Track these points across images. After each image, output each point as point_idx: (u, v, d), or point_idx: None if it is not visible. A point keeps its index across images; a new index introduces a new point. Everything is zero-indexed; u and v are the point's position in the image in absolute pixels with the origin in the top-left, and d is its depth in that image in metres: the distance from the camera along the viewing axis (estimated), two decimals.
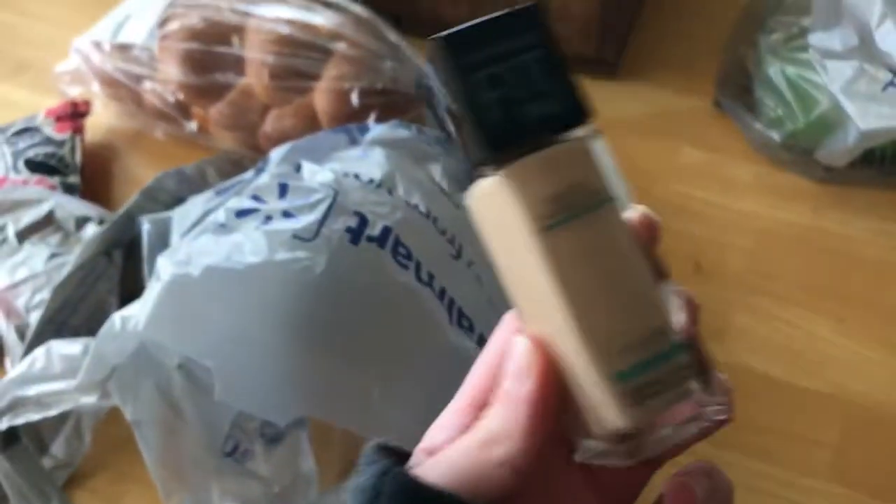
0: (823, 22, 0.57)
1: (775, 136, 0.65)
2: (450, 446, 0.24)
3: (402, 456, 0.25)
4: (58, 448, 0.54)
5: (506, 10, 0.24)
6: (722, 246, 0.64)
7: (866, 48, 0.52)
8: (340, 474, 0.51)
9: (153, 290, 0.39)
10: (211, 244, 0.41)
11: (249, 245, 0.40)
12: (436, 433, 0.25)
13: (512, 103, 0.23)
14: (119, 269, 0.58)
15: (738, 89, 0.69)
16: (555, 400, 0.23)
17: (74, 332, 0.56)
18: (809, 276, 0.63)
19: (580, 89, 0.24)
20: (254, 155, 0.68)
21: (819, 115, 0.62)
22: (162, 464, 0.44)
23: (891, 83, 0.54)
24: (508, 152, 0.23)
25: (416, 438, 0.26)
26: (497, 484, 0.22)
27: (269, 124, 0.68)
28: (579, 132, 0.24)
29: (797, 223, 0.65)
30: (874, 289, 0.62)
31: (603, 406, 0.23)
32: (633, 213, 0.25)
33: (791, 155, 0.66)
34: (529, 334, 0.24)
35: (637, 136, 0.70)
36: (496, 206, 0.23)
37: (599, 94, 0.73)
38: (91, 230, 0.64)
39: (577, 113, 0.24)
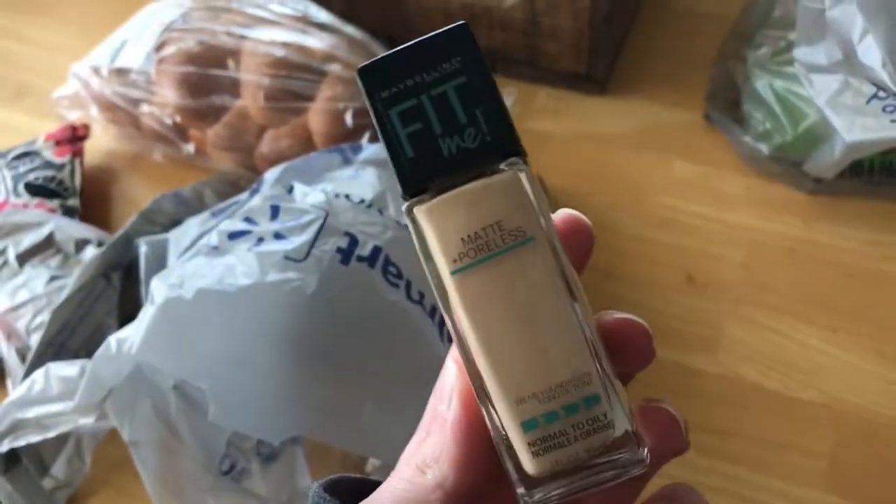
0: (808, 37, 0.58)
1: (764, 148, 0.66)
2: (393, 474, 0.24)
3: (350, 485, 0.24)
4: (58, 469, 0.55)
5: (432, 34, 0.23)
6: (714, 258, 0.65)
7: (850, 62, 0.53)
8: None
9: (147, 313, 0.40)
10: (204, 266, 0.41)
11: (241, 267, 0.40)
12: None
13: (431, 136, 0.22)
14: (117, 291, 0.59)
15: (728, 103, 0.70)
16: (480, 424, 0.22)
17: (74, 354, 0.57)
18: (801, 287, 0.63)
19: (505, 118, 0.23)
20: (251, 175, 0.69)
21: (807, 128, 0.63)
22: (160, 483, 0.44)
23: (875, 96, 0.55)
24: (426, 188, 0.22)
25: None
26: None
27: (266, 145, 0.69)
28: (504, 165, 0.23)
29: (788, 235, 0.65)
30: (866, 299, 0.62)
31: (518, 450, 0.22)
32: (556, 216, 0.24)
33: (781, 167, 0.66)
34: (455, 358, 0.23)
35: (628, 151, 0.71)
36: (417, 242, 0.23)
37: (590, 110, 0.76)
38: (90, 252, 0.64)
39: (503, 146, 0.23)
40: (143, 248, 0.53)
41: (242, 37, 0.70)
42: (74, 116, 0.76)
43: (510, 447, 0.23)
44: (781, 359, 0.60)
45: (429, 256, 0.23)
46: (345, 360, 0.40)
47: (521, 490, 0.23)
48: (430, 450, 0.23)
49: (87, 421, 0.45)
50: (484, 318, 0.22)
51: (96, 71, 0.73)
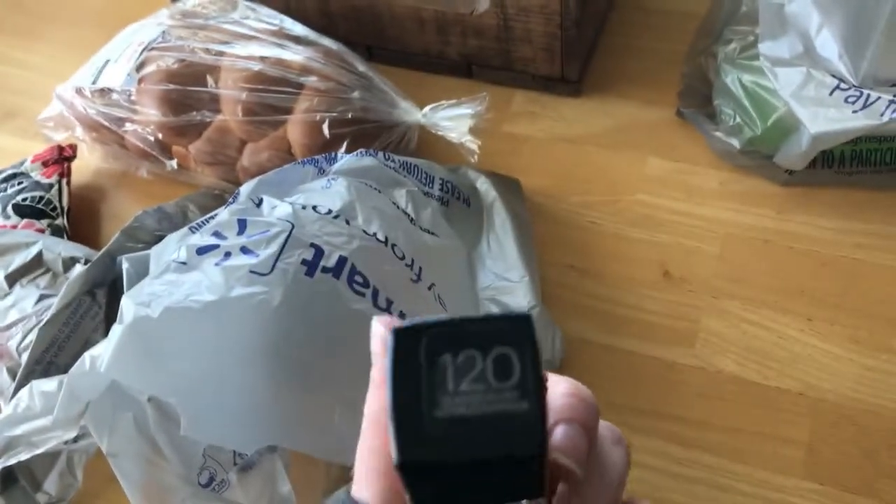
0: (770, 31, 0.59)
1: (736, 142, 0.66)
2: None
3: None
4: (50, 485, 0.56)
5: (491, 315, 0.22)
6: (689, 252, 0.66)
7: (810, 55, 0.53)
8: (326, 492, 0.53)
9: (115, 332, 0.41)
10: (172, 283, 0.42)
11: (207, 282, 0.42)
12: None
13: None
14: (102, 307, 0.60)
15: (700, 99, 0.71)
16: None
17: (62, 371, 0.58)
18: (776, 277, 0.64)
19: (543, 475, 0.22)
20: (234, 189, 0.70)
21: (776, 121, 0.64)
22: (143, 495, 0.45)
23: (837, 87, 0.56)
24: None
25: None
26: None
27: (247, 158, 0.70)
28: None
29: (762, 227, 0.66)
30: (840, 287, 0.63)
31: None
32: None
33: (753, 160, 0.67)
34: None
35: (603, 150, 0.72)
36: None
37: (565, 111, 0.77)
38: (78, 270, 0.66)
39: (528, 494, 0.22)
40: (125, 265, 0.54)
41: (220, 53, 0.71)
42: (61, 137, 0.77)
43: None
44: (758, 349, 0.61)
45: None
46: (312, 369, 0.41)
47: None
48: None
49: (69, 435, 0.46)
50: None
51: (79, 92, 0.74)
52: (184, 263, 0.44)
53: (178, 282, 0.43)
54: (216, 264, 0.43)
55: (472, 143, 0.66)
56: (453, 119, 0.67)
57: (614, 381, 0.61)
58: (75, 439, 0.55)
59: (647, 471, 0.57)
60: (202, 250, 0.44)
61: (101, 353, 0.41)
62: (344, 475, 0.52)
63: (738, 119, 0.67)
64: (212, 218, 0.49)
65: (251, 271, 0.42)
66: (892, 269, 0.63)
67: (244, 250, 0.44)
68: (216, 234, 0.45)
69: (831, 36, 0.50)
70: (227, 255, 0.44)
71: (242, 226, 0.46)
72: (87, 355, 0.42)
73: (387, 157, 0.60)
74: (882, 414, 0.57)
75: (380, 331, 0.24)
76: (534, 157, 0.73)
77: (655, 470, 0.57)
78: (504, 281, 0.58)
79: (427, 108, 0.69)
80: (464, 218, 0.62)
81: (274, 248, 0.43)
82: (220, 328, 0.41)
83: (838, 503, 0.55)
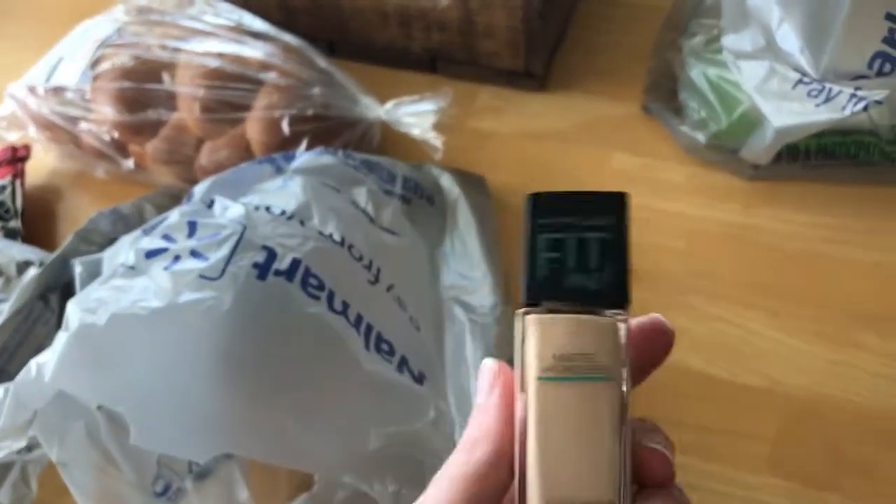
0: (733, 24, 0.58)
1: (701, 137, 0.66)
2: (448, 461, 0.27)
3: None
4: (3, 496, 0.54)
5: (596, 191, 0.28)
6: (655, 248, 0.65)
7: (772, 49, 0.53)
8: (288, 497, 0.52)
9: (60, 340, 0.39)
10: (119, 289, 0.41)
11: (154, 288, 0.40)
12: None
13: (563, 268, 0.27)
14: (55, 313, 0.58)
15: (666, 93, 0.71)
16: (513, 412, 0.27)
17: (14, 378, 0.57)
18: (743, 272, 0.64)
19: (626, 277, 0.27)
20: (192, 188, 0.69)
21: (741, 115, 0.63)
22: None
23: (800, 81, 0.55)
24: (544, 303, 0.27)
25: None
26: (483, 483, 0.26)
27: (204, 157, 0.69)
28: (610, 312, 0.27)
29: (729, 221, 0.66)
30: (806, 282, 0.63)
31: None
32: (644, 318, 0.28)
33: (719, 155, 0.67)
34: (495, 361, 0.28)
35: (568, 146, 0.71)
36: (519, 341, 0.27)
37: (531, 107, 0.76)
38: (32, 274, 0.64)
39: (615, 298, 0.27)
40: (77, 268, 0.53)
41: (177, 49, 0.69)
42: (14, 137, 0.75)
43: None
44: (725, 345, 0.61)
45: (523, 357, 0.27)
46: (265, 374, 0.40)
47: None
48: (474, 431, 0.27)
49: (18, 445, 0.45)
50: (549, 423, 0.26)
51: (32, 90, 0.72)
52: (132, 268, 0.42)
53: (125, 287, 0.41)
54: (165, 268, 0.42)
55: (436, 140, 0.65)
56: (416, 115, 0.66)
57: None
58: (29, 449, 0.54)
59: None
60: (151, 254, 0.43)
61: (47, 361, 0.40)
62: (306, 481, 0.51)
63: (703, 113, 0.66)
64: (163, 220, 0.48)
65: (200, 276, 0.41)
66: (858, 264, 0.63)
67: (194, 254, 0.42)
68: (166, 236, 0.44)
69: (792, 29, 0.49)
70: (177, 258, 0.42)
71: (193, 228, 0.44)
72: (33, 363, 0.41)
73: (347, 154, 0.59)
74: (847, 408, 0.57)
75: (492, 367, 0.28)
76: (499, 153, 0.72)
77: None
78: (467, 280, 0.57)
79: (389, 104, 0.67)
80: (427, 216, 0.61)
81: (224, 250, 0.42)
82: (168, 335, 0.40)
83: (804, 499, 0.54)
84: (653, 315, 0.29)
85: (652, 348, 0.29)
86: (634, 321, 0.29)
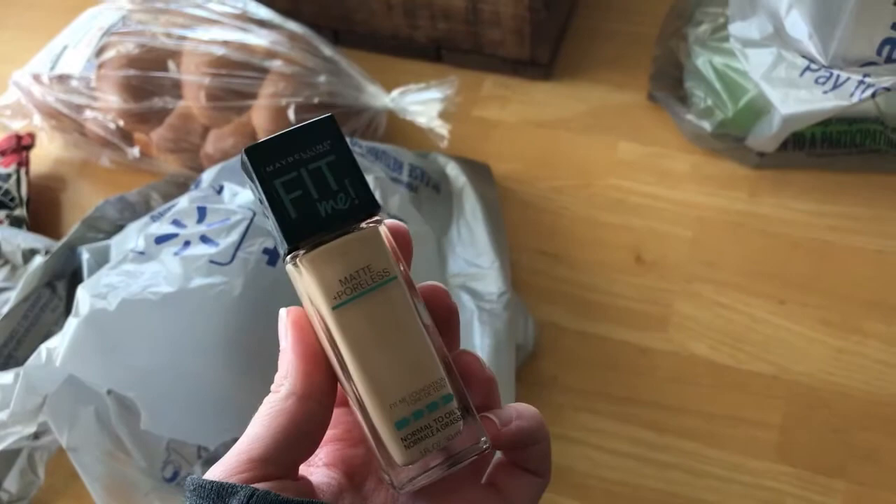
0: (741, 11, 0.58)
1: (707, 125, 0.66)
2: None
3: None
4: (10, 483, 0.55)
5: (301, 124, 0.28)
6: (662, 236, 0.65)
7: (780, 36, 0.53)
8: None
9: (71, 325, 0.39)
10: (129, 274, 0.41)
11: (165, 273, 0.40)
12: None
13: (308, 201, 0.27)
14: (63, 299, 0.58)
15: (672, 82, 0.70)
16: (311, 344, 0.28)
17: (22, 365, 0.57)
18: (748, 260, 0.64)
19: (366, 186, 0.28)
20: (198, 176, 0.69)
21: (747, 103, 0.63)
22: (105, 490, 0.44)
23: (808, 68, 0.55)
24: (304, 244, 0.27)
25: None
26: (290, 415, 0.27)
27: (210, 145, 0.69)
28: (367, 222, 0.28)
29: (734, 210, 0.66)
30: (812, 270, 0.63)
31: (389, 446, 0.28)
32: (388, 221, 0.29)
33: (724, 143, 0.67)
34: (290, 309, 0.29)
35: (574, 134, 0.71)
36: (300, 285, 0.28)
37: (536, 95, 0.76)
38: (39, 262, 0.64)
39: (366, 207, 0.28)
40: (85, 255, 0.53)
41: (182, 37, 0.69)
42: (19, 126, 0.75)
43: (381, 445, 0.28)
44: (731, 333, 0.61)
45: (311, 299, 0.27)
46: (274, 360, 0.40)
47: (393, 478, 0.28)
48: (278, 374, 0.28)
49: (28, 430, 0.45)
50: (360, 342, 0.27)
51: (37, 79, 0.72)
52: (142, 253, 0.42)
53: (135, 272, 0.41)
54: (175, 254, 0.42)
55: (442, 128, 0.65)
56: (422, 103, 0.66)
57: (587, 368, 0.60)
58: (36, 436, 0.54)
59: (622, 457, 0.57)
60: (161, 239, 0.43)
61: (58, 346, 0.39)
62: None
63: (709, 102, 0.66)
64: (172, 206, 0.47)
65: (211, 261, 0.41)
66: (864, 251, 0.63)
67: (204, 239, 0.42)
68: (175, 222, 0.44)
69: (800, 16, 0.49)
70: (187, 244, 0.42)
71: (202, 214, 0.44)
72: (43, 347, 0.41)
73: (353, 142, 0.59)
74: (853, 395, 0.57)
75: (282, 314, 0.29)
76: (504, 141, 0.72)
77: (630, 456, 0.57)
78: (474, 267, 0.57)
79: (395, 93, 0.67)
80: (433, 204, 0.61)
81: (234, 236, 0.42)
82: (179, 320, 0.40)
83: (811, 485, 0.55)
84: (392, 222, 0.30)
85: (400, 243, 0.30)
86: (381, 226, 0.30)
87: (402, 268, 0.28)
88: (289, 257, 0.28)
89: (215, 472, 0.27)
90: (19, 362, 0.57)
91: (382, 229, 0.28)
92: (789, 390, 0.58)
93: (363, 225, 0.28)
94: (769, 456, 0.56)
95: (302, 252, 0.27)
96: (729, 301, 0.62)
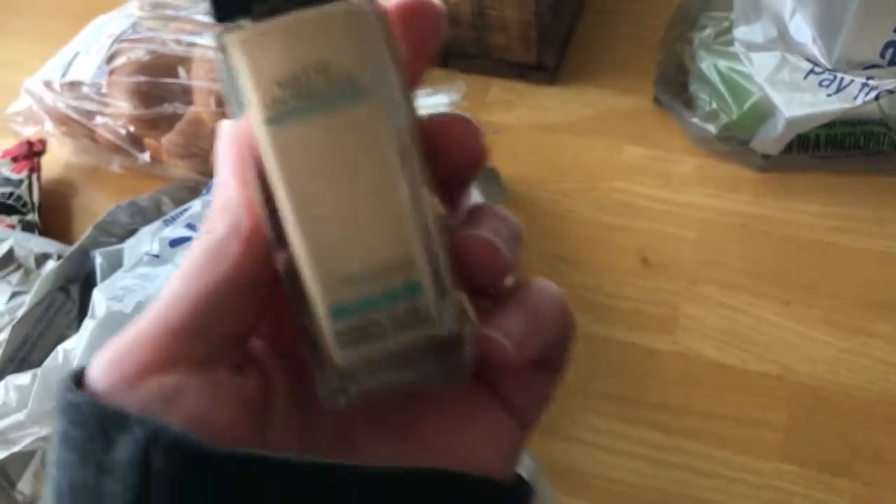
0: (744, 16, 0.59)
1: (712, 128, 0.67)
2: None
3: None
4: (24, 484, 0.55)
5: None
6: (667, 239, 0.66)
7: (784, 39, 0.53)
8: None
9: (87, 327, 0.40)
10: (144, 277, 0.42)
11: None
12: None
13: None
14: (76, 303, 0.59)
15: (676, 86, 0.71)
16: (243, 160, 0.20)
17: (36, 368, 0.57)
18: (753, 262, 0.64)
19: None
20: (209, 181, 0.69)
21: (751, 106, 0.64)
22: None
23: (811, 71, 0.56)
24: (244, 17, 0.18)
25: None
26: (231, 262, 0.20)
27: None
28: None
29: (739, 212, 0.66)
30: (817, 271, 0.63)
31: (322, 336, 0.19)
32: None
33: (729, 146, 0.67)
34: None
35: (579, 138, 0.72)
36: (229, 74, 0.19)
37: (542, 100, 0.76)
38: (51, 266, 0.65)
39: None
40: (98, 259, 0.53)
41: (192, 44, 0.70)
42: (30, 132, 0.76)
43: (315, 332, 0.19)
44: (737, 334, 0.61)
45: (241, 103, 0.19)
46: None
47: (319, 384, 0.20)
48: (211, 213, 0.21)
49: (46, 431, 0.45)
50: (299, 180, 0.18)
51: (48, 85, 0.73)
52: (157, 256, 0.43)
53: (151, 275, 0.42)
54: None
55: None
56: (429, 108, 0.67)
57: (594, 370, 0.61)
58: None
59: (629, 458, 0.57)
60: (175, 242, 0.43)
61: (74, 347, 0.40)
62: None
63: (713, 105, 0.67)
64: (186, 210, 0.48)
65: None
66: (868, 252, 0.64)
67: None
68: (189, 225, 0.45)
69: (804, 20, 0.50)
70: None
71: None
72: (60, 348, 0.41)
73: None
74: (858, 396, 0.58)
75: (225, 130, 0.21)
76: (510, 146, 0.73)
77: (637, 457, 0.57)
78: None
79: None
80: None
81: None
82: None
83: (817, 484, 0.55)
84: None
85: (418, 29, 0.20)
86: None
87: (386, 78, 0.19)
88: (215, 35, 0.19)
89: (106, 365, 0.19)
90: (33, 365, 0.58)
91: (369, 11, 0.18)
92: (795, 391, 0.59)
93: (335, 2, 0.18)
94: (775, 456, 0.57)
95: (235, 28, 0.18)
96: (735, 302, 0.63)
